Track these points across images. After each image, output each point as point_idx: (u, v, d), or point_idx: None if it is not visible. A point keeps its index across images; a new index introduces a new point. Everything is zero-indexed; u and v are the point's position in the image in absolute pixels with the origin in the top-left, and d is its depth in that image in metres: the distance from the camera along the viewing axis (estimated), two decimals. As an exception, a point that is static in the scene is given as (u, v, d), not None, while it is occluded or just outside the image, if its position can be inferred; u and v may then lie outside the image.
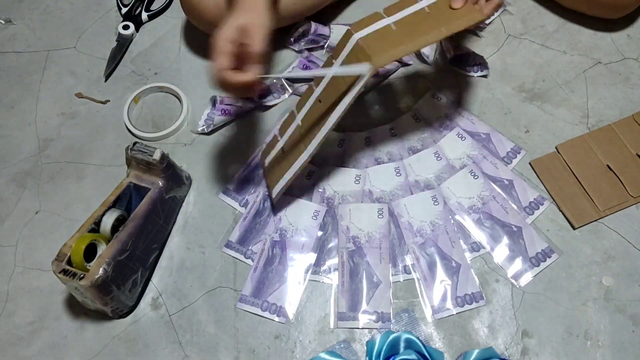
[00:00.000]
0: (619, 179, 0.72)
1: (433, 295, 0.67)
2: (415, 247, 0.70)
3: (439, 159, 0.77)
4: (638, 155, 0.74)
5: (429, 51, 0.86)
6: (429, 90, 0.83)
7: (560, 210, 0.72)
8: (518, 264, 0.68)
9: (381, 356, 0.62)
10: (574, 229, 0.71)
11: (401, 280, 0.69)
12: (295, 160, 0.67)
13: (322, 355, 0.64)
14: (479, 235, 0.71)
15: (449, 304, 0.66)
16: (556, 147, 0.76)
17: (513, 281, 0.68)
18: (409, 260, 0.70)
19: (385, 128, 0.80)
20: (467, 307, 0.66)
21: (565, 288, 0.67)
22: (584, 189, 0.72)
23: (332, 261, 0.71)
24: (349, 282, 0.68)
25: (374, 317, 0.66)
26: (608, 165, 0.74)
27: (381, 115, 0.82)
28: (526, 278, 0.68)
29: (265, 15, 0.61)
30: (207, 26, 0.83)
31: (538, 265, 0.68)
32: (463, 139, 0.78)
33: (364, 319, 0.66)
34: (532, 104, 0.81)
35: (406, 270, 0.69)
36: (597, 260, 0.69)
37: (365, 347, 0.65)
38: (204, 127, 0.81)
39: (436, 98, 0.82)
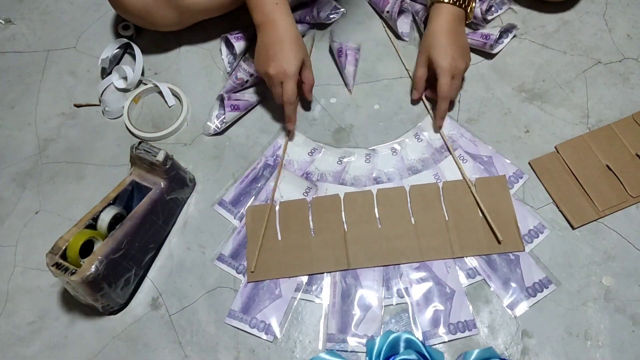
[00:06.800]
0: (619, 179, 0.72)
1: (425, 321, 0.66)
2: (409, 271, 0.69)
3: (438, 181, 0.75)
4: (638, 155, 0.74)
5: (407, 30, 0.88)
6: (433, 109, 0.81)
7: (560, 210, 0.72)
8: (514, 293, 0.67)
9: (381, 356, 0.62)
10: (573, 228, 0.71)
11: (394, 303, 0.68)
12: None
13: (322, 355, 0.64)
14: (475, 261, 0.69)
15: (440, 330, 0.65)
16: (555, 147, 0.76)
17: (509, 310, 0.66)
18: (402, 284, 0.68)
19: (386, 147, 0.79)
20: (459, 334, 0.65)
21: (565, 288, 0.67)
22: (584, 189, 0.72)
23: (324, 281, 0.70)
24: (340, 303, 0.68)
25: (363, 341, 0.65)
26: (607, 165, 0.74)
27: (378, 113, 0.82)
28: (522, 308, 0.66)
29: None
30: (133, 19, 0.86)
31: (534, 296, 0.66)
32: (464, 161, 0.76)
33: (352, 342, 0.65)
34: (532, 104, 0.81)
35: (399, 294, 0.68)
36: (597, 260, 0.69)
37: (365, 347, 0.65)
38: (217, 125, 0.80)
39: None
